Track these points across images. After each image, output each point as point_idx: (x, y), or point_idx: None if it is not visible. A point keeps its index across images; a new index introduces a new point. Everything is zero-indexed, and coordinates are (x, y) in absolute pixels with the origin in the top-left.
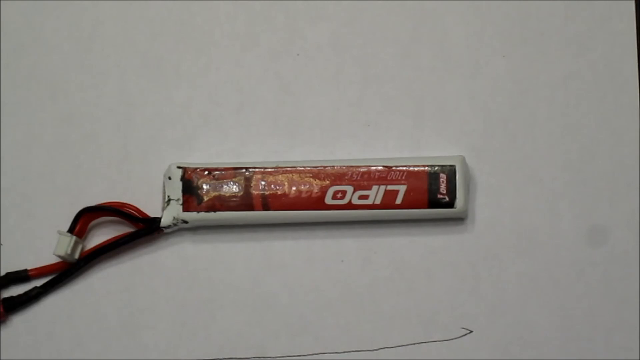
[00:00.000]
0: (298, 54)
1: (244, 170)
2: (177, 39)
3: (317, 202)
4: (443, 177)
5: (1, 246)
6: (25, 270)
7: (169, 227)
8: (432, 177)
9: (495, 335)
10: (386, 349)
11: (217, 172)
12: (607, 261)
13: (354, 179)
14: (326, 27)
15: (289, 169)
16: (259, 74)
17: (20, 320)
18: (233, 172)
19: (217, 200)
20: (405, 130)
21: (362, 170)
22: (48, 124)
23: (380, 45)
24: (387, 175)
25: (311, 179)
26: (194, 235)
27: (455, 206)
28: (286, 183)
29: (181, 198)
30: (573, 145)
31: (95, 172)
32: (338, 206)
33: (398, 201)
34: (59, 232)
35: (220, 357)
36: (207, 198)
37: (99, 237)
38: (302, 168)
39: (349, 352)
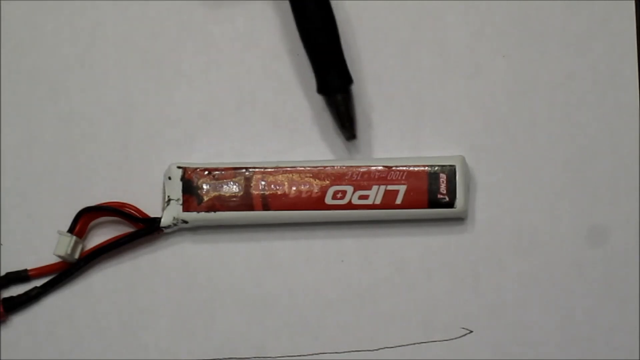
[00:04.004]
0: (298, 54)
1: (244, 170)
2: (177, 39)
3: (317, 202)
4: (443, 177)
5: (1, 246)
6: (25, 270)
7: (169, 227)
8: (432, 177)
9: (495, 335)
10: (386, 349)
11: (217, 172)
12: (607, 261)
13: (354, 179)
14: None
15: (289, 169)
16: (259, 74)
17: (20, 320)
18: (233, 172)
19: (217, 200)
20: (405, 130)
21: (362, 170)
22: (48, 124)
23: (380, 45)
24: (387, 175)
25: (311, 179)
26: (194, 235)
27: (455, 206)
28: (286, 183)
29: (181, 198)
30: (573, 145)
31: (95, 172)
32: (338, 206)
33: (398, 201)
34: (59, 232)
35: (220, 357)
36: (207, 198)
37: (99, 237)
38: (302, 168)
39: (349, 352)
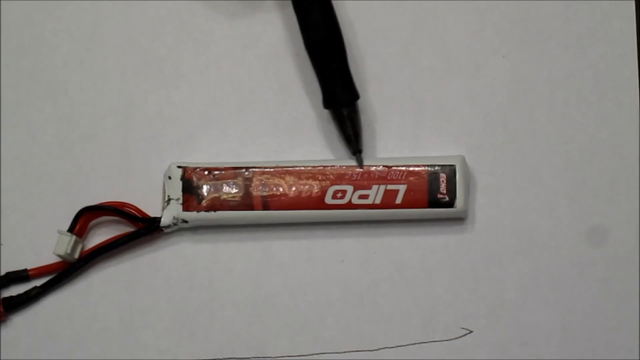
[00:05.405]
0: (298, 54)
1: (244, 170)
2: (177, 39)
3: (317, 202)
4: (443, 177)
5: (1, 246)
6: (25, 270)
7: (169, 227)
8: (432, 176)
9: (495, 335)
10: (386, 349)
11: (217, 172)
12: (607, 261)
13: (354, 178)
14: None
15: (289, 169)
16: (259, 74)
17: (20, 320)
18: (233, 172)
19: (217, 200)
20: (405, 130)
21: (362, 170)
22: (48, 124)
23: (380, 45)
24: (387, 175)
25: (311, 179)
26: (194, 235)
27: (455, 206)
28: (286, 183)
29: (181, 198)
30: (573, 145)
31: (95, 172)
32: (338, 206)
33: (398, 201)
34: (59, 232)
35: (220, 357)
36: (207, 198)
37: (99, 237)
38: (302, 168)
39: (349, 352)
